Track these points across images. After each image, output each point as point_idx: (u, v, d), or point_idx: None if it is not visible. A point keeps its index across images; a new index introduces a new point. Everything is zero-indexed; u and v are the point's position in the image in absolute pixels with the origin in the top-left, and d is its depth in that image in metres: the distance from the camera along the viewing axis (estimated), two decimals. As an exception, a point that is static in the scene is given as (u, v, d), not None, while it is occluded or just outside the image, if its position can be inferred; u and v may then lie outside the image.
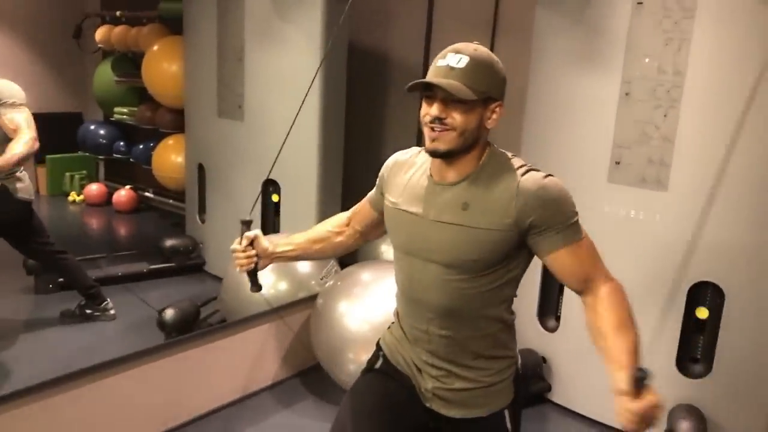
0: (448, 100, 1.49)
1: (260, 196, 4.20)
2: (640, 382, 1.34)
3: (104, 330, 3.83)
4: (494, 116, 1.54)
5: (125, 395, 2.74)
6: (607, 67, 2.96)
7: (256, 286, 1.92)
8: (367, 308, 3.15)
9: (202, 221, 4.88)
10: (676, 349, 2.97)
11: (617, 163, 2.98)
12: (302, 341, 3.48)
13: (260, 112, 4.27)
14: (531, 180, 1.51)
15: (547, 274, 3.33)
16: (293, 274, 3.57)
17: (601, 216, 3.02)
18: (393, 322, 1.85)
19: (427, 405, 1.71)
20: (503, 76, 1.55)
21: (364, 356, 3.00)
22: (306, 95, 2.62)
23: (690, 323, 2.95)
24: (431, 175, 1.62)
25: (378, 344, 1.85)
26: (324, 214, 4.19)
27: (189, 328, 3.59)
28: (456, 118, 1.49)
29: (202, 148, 4.77)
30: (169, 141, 5.81)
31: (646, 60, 2.84)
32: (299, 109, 2.47)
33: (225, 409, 3.17)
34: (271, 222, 4.44)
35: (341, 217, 1.96)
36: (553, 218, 1.49)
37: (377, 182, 1.82)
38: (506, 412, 1.70)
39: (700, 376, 2.96)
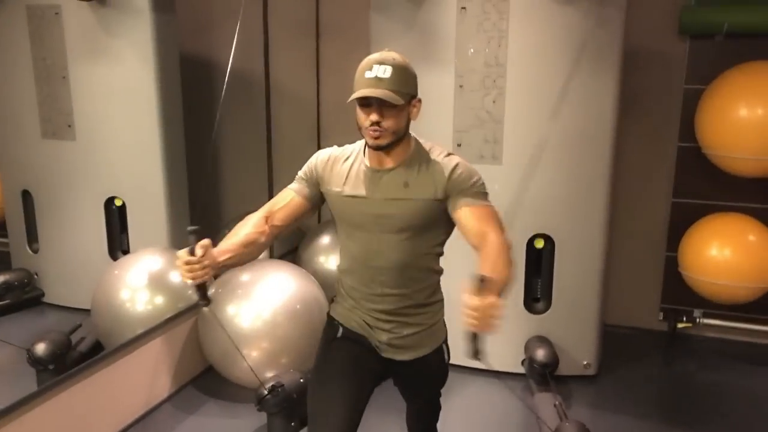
0: (383, 106, 1.81)
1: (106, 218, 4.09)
2: (481, 283, 1.55)
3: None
4: (415, 110, 1.92)
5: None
6: (442, 64, 3.44)
7: (206, 300, 1.90)
8: (255, 306, 3.35)
9: (35, 251, 4.57)
10: (523, 292, 3.59)
11: (459, 145, 3.48)
12: (191, 349, 3.54)
13: (94, 129, 4.13)
14: (451, 163, 1.93)
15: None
16: (168, 287, 3.59)
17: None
18: (335, 297, 2.17)
19: (383, 355, 2.06)
20: (415, 74, 1.91)
21: (258, 352, 3.27)
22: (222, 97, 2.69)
23: (532, 269, 3.58)
24: (368, 165, 1.95)
25: (330, 317, 2.14)
26: (175, 228, 4.22)
27: (62, 359, 3.46)
28: (390, 120, 1.84)
29: (26, 173, 4.45)
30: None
31: (471, 51, 3.36)
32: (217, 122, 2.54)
33: (128, 430, 3.16)
34: (117, 240, 4.33)
35: (256, 218, 2.01)
36: (461, 186, 1.91)
37: (306, 176, 2.05)
38: (444, 347, 2.13)
39: (543, 311, 3.61)
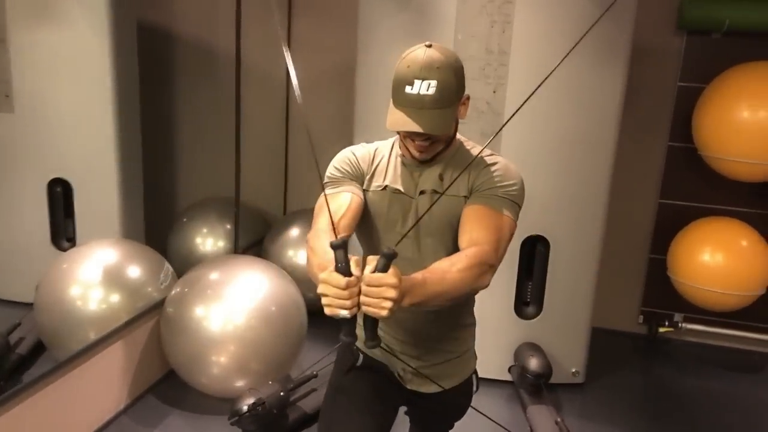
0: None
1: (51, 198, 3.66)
2: (385, 258, 1.28)
3: None
4: (464, 108, 1.62)
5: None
6: (438, 48, 3.15)
7: (354, 336, 1.38)
8: (227, 308, 3.02)
9: (-38, 237, 4.06)
10: (514, 296, 3.38)
11: (453, 136, 3.22)
12: (151, 353, 3.18)
13: (36, 101, 3.66)
14: (491, 160, 1.66)
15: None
16: (124, 284, 3.19)
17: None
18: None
19: (408, 387, 1.79)
20: (461, 67, 1.61)
21: (227, 358, 2.96)
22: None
23: (523, 271, 3.37)
24: (403, 157, 1.68)
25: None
26: (127, 214, 3.84)
27: (1, 364, 3.05)
28: (439, 137, 1.58)
29: (-46, 149, 3.94)
30: None
31: (459, 37, 3.09)
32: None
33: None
34: (62, 226, 3.89)
35: (323, 232, 1.56)
36: (488, 184, 1.61)
37: (350, 173, 1.71)
38: (474, 376, 1.86)
39: (534, 316, 3.42)
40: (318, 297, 1.31)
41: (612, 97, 3.16)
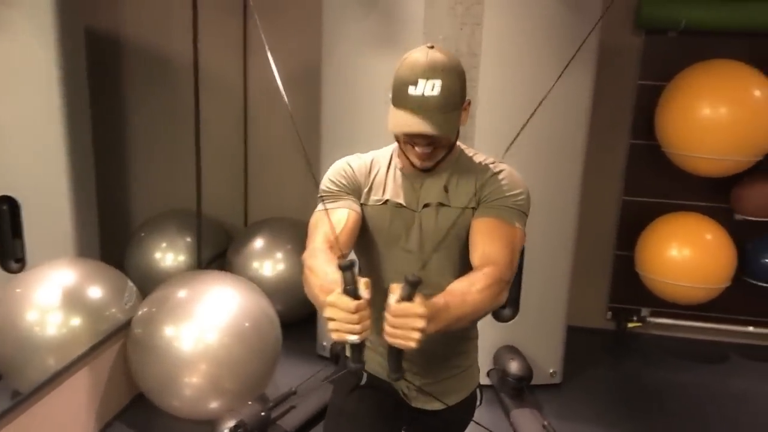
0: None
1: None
2: (410, 286, 1.23)
3: None
4: (465, 114, 1.56)
5: None
6: (405, 51, 3.08)
7: (362, 362, 1.33)
8: (197, 326, 2.89)
9: None
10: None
11: (424, 140, 3.17)
12: (117, 378, 3.01)
13: (-22, 114, 3.44)
14: (496, 168, 1.60)
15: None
16: (86, 307, 3.00)
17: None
18: None
19: (412, 405, 1.72)
20: (464, 71, 1.55)
21: (199, 378, 2.82)
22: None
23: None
24: (402, 169, 1.61)
25: (348, 358, 1.74)
26: (81, 231, 3.64)
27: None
28: (441, 144, 1.52)
29: None
30: None
31: (441, 37, 3.05)
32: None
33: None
34: (10, 246, 3.66)
35: (326, 254, 1.47)
36: (495, 194, 1.56)
37: (346, 187, 1.61)
38: (478, 390, 1.80)
39: (510, 319, 3.39)
40: (324, 320, 1.25)
41: (582, 98, 3.17)
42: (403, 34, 3.09)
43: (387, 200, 1.59)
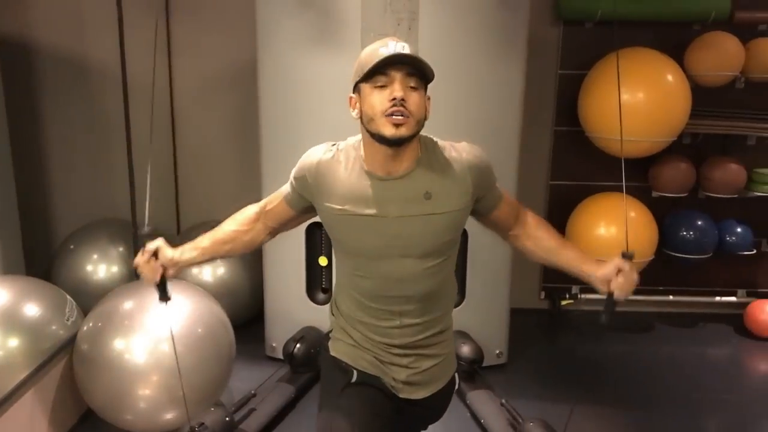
0: (405, 85, 1.49)
1: None
2: (630, 258, 1.67)
3: None
4: (428, 103, 1.59)
5: None
6: (345, 47, 3.10)
7: (165, 298, 1.87)
8: (148, 337, 2.80)
9: None
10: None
11: (366, 135, 3.20)
12: (64, 396, 2.87)
13: None
14: (470, 156, 1.64)
15: (310, 252, 3.43)
16: (24, 326, 2.84)
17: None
18: (332, 332, 1.81)
19: (400, 396, 1.75)
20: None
21: (153, 390, 2.74)
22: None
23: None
24: (370, 171, 1.59)
25: (335, 358, 1.76)
26: (3, 245, 3.46)
27: None
28: (416, 100, 1.51)
29: None
30: None
31: (378, 33, 3.08)
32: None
33: None
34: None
35: (248, 212, 1.83)
36: (489, 180, 1.68)
37: (294, 183, 1.72)
38: (456, 375, 1.87)
39: (458, 305, 3.48)
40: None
41: (514, 87, 3.29)
42: (340, 29, 3.11)
43: (347, 210, 1.60)
